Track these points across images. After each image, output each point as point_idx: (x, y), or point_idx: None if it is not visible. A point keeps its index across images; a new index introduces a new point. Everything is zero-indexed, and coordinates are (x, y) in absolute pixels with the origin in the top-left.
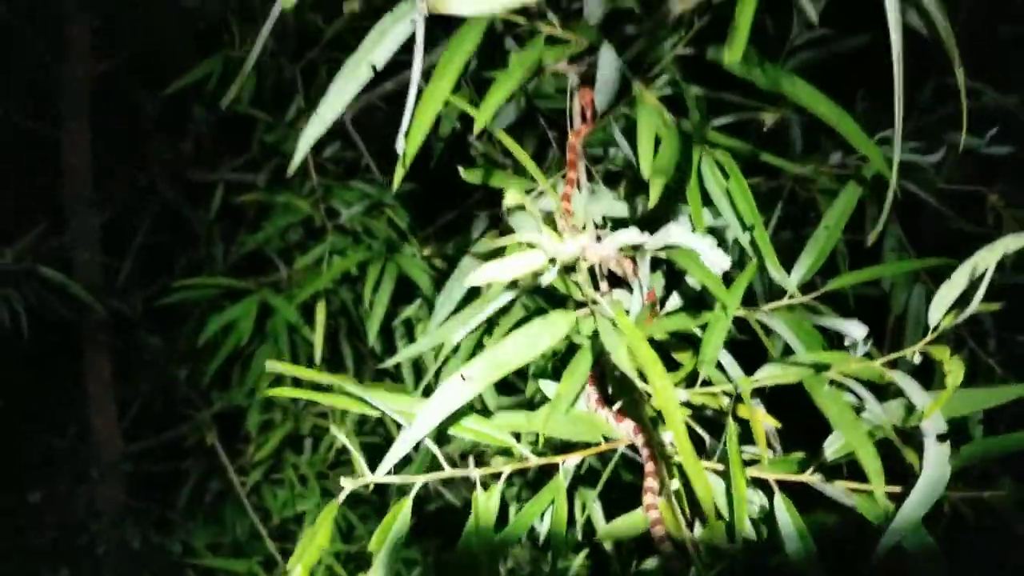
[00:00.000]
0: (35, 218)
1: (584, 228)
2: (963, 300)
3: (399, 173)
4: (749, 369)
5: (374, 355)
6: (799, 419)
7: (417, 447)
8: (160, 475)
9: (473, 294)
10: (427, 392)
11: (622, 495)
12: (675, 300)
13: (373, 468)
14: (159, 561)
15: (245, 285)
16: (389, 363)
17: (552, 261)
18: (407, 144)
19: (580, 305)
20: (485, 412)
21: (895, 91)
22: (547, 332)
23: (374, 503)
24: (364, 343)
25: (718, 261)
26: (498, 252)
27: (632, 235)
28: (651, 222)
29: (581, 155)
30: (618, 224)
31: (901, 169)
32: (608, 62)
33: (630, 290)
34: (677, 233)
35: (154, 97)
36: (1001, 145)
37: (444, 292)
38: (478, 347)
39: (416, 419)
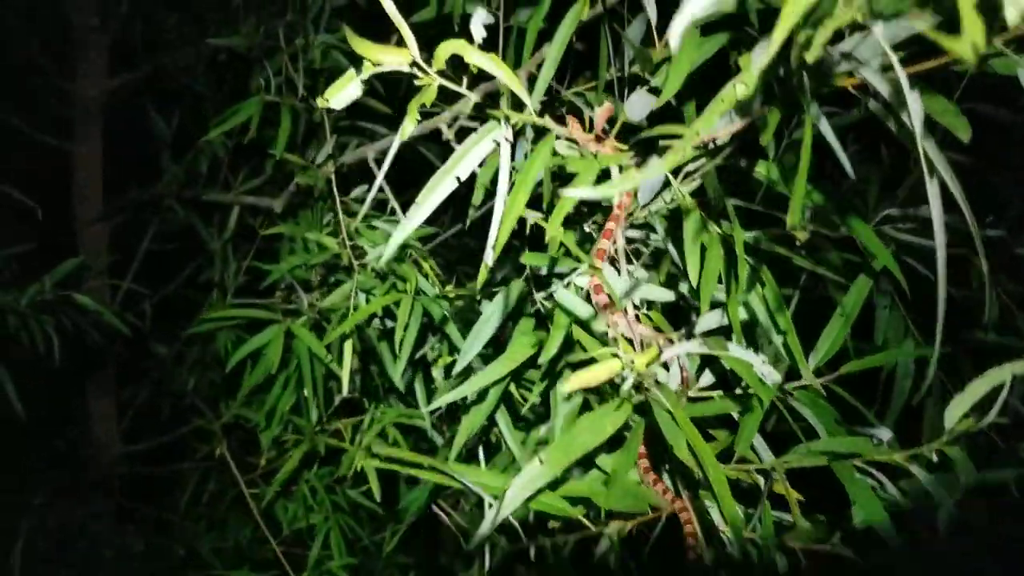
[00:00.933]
0: (46, 229)
1: (660, 333)
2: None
3: (482, 277)
4: (772, 441)
5: (392, 384)
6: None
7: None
8: (160, 479)
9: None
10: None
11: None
12: (708, 377)
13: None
14: (160, 566)
15: (271, 316)
16: (431, 407)
17: (630, 366)
18: (494, 253)
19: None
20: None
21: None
22: (608, 420)
23: (382, 518)
24: (380, 367)
25: (769, 375)
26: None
27: (696, 346)
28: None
29: (621, 237)
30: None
31: (902, 248)
32: (655, 166)
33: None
34: (735, 349)
35: (170, 116)
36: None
37: (472, 336)
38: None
39: (504, 498)
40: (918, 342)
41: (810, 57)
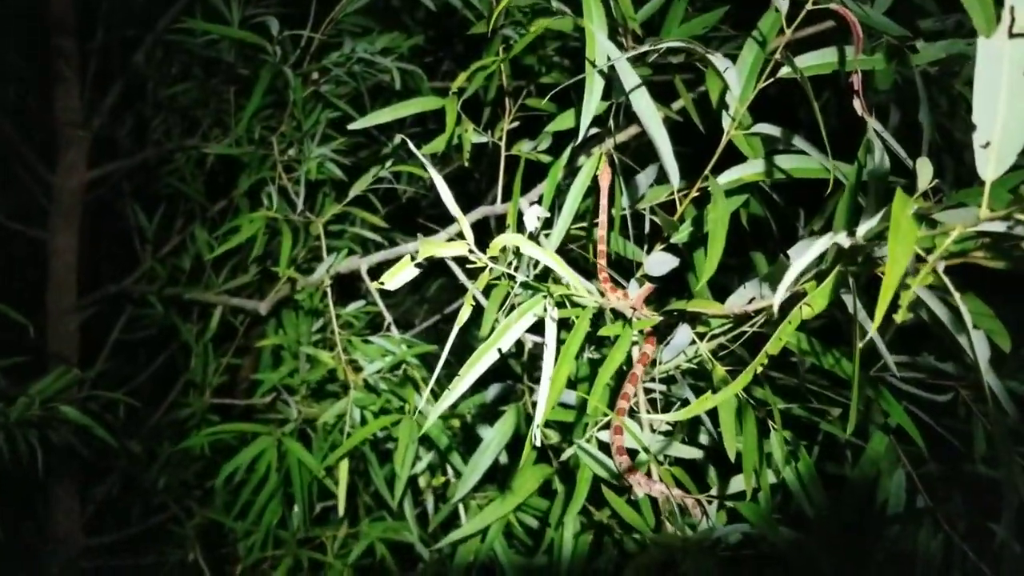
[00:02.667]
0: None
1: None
2: None
3: (527, 457)
4: None
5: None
6: None
7: None
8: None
9: None
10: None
11: None
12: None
13: None
14: None
15: (263, 430)
16: (439, 545)
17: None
18: (539, 430)
19: None
20: None
21: None
22: None
23: None
24: (368, 478)
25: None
26: None
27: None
28: None
29: (642, 390)
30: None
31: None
32: (683, 335)
33: None
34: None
35: (152, 210)
36: None
37: (471, 468)
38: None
39: None
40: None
41: (899, 318)
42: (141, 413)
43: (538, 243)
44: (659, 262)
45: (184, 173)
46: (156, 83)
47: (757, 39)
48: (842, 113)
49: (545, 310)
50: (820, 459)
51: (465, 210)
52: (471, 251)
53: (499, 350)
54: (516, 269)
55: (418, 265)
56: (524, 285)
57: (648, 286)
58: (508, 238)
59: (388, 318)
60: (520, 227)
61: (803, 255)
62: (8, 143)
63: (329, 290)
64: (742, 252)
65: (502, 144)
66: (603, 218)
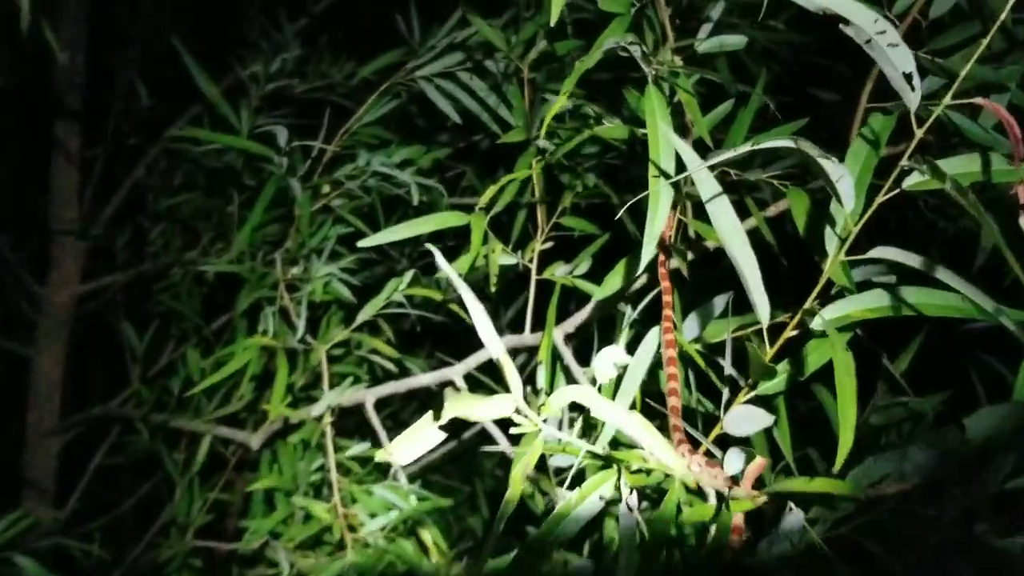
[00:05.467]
0: None
1: None
2: None
3: None
4: None
5: None
6: None
7: None
8: None
9: None
10: None
11: None
12: None
13: None
14: None
15: None
16: None
17: None
18: None
19: None
20: None
21: None
22: None
23: None
24: None
25: None
26: None
27: None
28: None
29: None
30: None
31: None
32: (794, 520)
33: None
34: None
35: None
36: None
37: None
38: None
39: None
40: None
41: None
42: (117, 553)
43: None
44: (745, 419)
45: (180, 289)
46: (157, 193)
47: (868, 139)
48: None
49: (618, 489)
50: None
51: (470, 337)
52: (519, 412)
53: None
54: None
55: (442, 427)
56: (594, 455)
57: (760, 462)
58: (574, 393)
59: (396, 465)
60: (552, 364)
61: None
62: None
63: (329, 428)
64: None
65: (532, 266)
66: (671, 363)
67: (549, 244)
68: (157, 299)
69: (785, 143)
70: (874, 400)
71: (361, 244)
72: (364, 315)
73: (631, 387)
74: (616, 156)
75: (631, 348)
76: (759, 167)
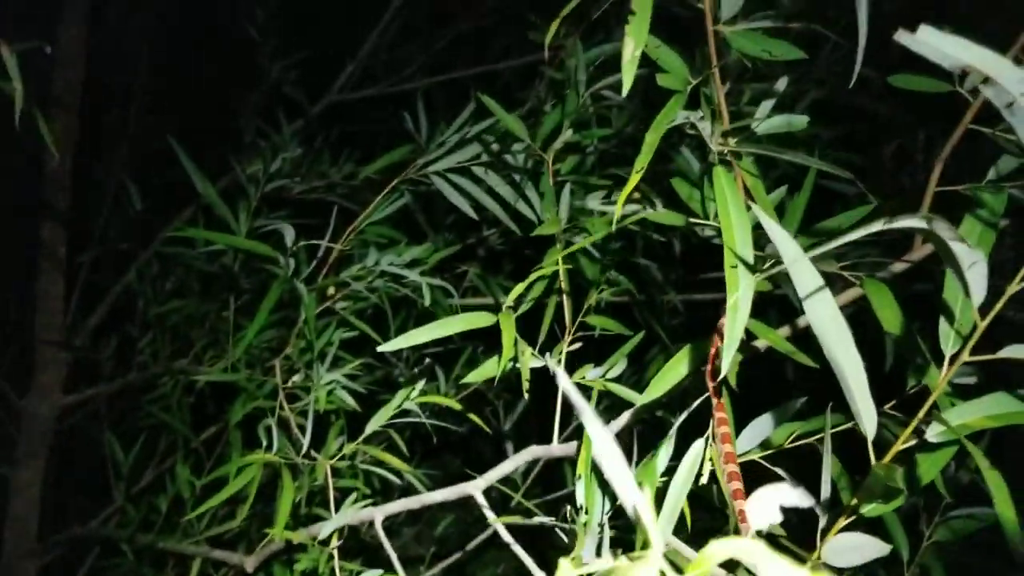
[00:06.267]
0: None
1: None
2: None
3: None
4: None
5: None
6: None
7: None
8: None
9: None
10: None
11: None
12: None
13: None
14: None
15: None
16: None
17: None
18: None
19: None
20: None
21: None
22: None
23: None
24: None
25: None
26: None
27: None
28: None
29: None
30: None
31: None
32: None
33: None
34: None
35: (129, 442)
36: None
37: None
38: None
39: None
40: None
41: None
42: None
43: None
44: (852, 548)
45: (170, 400)
46: (147, 300)
47: (983, 219)
48: None
49: None
50: None
51: (480, 443)
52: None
53: None
54: None
55: None
56: None
57: None
58: (735, 547)
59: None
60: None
61: None
62: None
63: (336, 553)
64: None
65: (560, 369)
66: (734, 477)
67: (578, 345)
68: (144, 410)
69: (917, 223)
70: None
71: (381, 348)
72: (373, 425)
73: (674, 503)
74: (634, 251)
75: (676, 457)
76: (833, 257)
